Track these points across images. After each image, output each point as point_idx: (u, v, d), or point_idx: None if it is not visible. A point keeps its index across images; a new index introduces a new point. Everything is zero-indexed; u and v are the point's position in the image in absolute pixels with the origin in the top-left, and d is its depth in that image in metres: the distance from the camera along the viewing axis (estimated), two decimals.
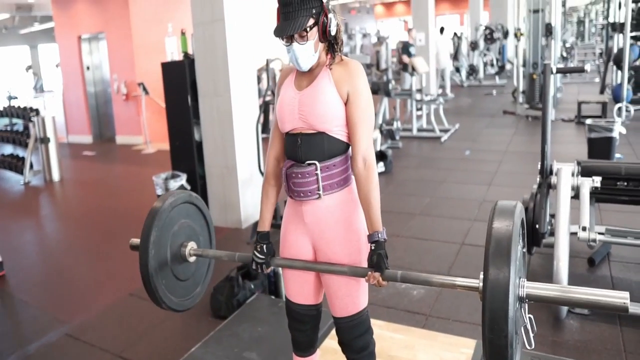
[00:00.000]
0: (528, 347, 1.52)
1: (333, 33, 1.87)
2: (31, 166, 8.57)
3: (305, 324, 2.13)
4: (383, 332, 3.03)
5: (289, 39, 1.83)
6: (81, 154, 10.72)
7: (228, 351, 2.99)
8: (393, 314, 3.62)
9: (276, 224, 2.99)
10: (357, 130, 1.86)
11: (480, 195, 6.24)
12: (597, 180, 3.87)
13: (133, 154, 10.44)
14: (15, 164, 8.72)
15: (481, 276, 1.54)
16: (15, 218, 6.79)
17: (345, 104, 1.87)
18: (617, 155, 6.59)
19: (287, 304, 2.15)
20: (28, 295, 4.47)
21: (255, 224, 5.17)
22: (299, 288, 2.10)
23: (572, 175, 3.93)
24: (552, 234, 4.02)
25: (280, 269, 3.52)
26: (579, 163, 4.03)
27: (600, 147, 6.44)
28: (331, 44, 1.91)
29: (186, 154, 5.81)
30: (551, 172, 4.08)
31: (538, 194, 4.15)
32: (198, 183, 5.77)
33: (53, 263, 5.28)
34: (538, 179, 4.18)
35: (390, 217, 5.61)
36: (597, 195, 4.01)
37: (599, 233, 3.72)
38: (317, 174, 1.89)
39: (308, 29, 1.81)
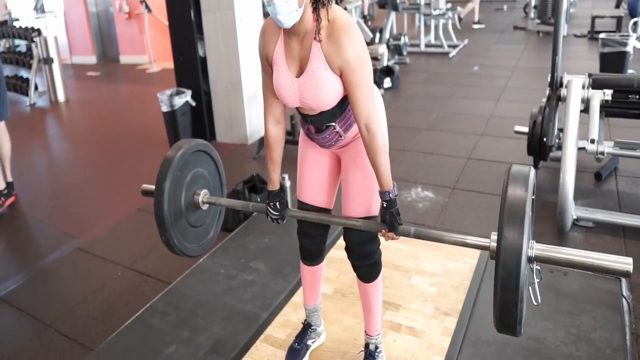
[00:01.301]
0: (535, 303, 1.60)
1: None
2: (36, 87, 8.49)
3: (316, 229, 2.12)
4: (388, 242, 3.04)
5: None
6: (85, 75, 10.60)
7: (235, 262, 3.04)
8: None
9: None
10: (355, 101, 1.75)
11: (487, 111, 6.18)
12: (608, 93, 3.79)
13: (137, 73, 10.32)
14: (20, 86, 8.64)
15: (492, 236, 1.62)
16: (23, 139, 6.79)
17: (340, 75, 1.74)
18: (630, 70, 6.47)
19: (300, 206, 2.13)
20: (39, 212, 4.53)
21: (261, 140, 5.18)
22: (313, 189, 2.09)
23: (583, 87, 3.85)
24: (559, 148, 3.99)
25: (287, 183, 3.54)
26: (590, 75, 3.94)
27: (613, 62, 6.31)
28: None
29: (190, 70, 5.72)
30: (561, 85, 4.00)
31: (547, 107, 4.09)
32: (203, 99, 5.71)
33: (62, 181, 5.33)
34: (547, 92, 4.11)
35: (396, 132, 5.58)
36: (607, 109, 3.93)
37: (608, 146, 3.69)
38: (337, 131, 1.87)
39: None
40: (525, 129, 4.29)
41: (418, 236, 1.85)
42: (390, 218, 1.83)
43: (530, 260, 1.54)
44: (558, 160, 3.81)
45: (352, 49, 1.68)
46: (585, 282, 2.71)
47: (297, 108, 1.89)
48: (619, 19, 9.56)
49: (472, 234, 1.79)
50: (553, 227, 3.59)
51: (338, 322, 2.51)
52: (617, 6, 11.03)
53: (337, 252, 3.00)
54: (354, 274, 2.13)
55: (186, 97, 5.47)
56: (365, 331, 2.21)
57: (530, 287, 1.58)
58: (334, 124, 1.86)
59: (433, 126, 5.85)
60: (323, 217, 2.03)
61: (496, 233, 1.53)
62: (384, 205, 1.85)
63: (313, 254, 2.19)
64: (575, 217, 3.56)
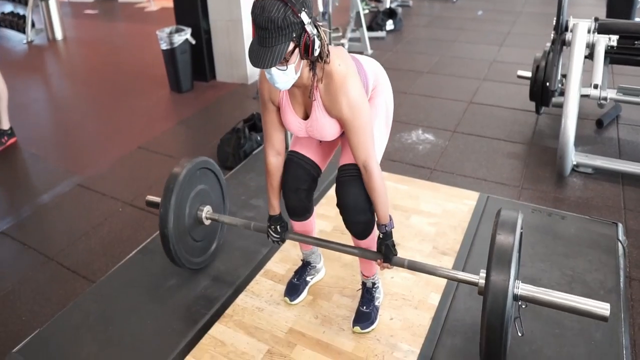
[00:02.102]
0: (519, 334, 1.81)
1: (317, 53, 1.66)
2: (33, 24, 8.34)
3: (303, 182, 2.06)
4: (388, 183, 3.04)
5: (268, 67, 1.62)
6: (83, 13, 10.40)
7: (236, 199, 3.06)
8: (398, 167, 3.67)
9: None
10: (353, 145, 1.81)
11: (490, 56, 6.11)
12: (613, 39, 3.74)
13: (136, 12, 10.14)
14: (17, 22, 8.48)
15: (481, 273, 1.76)
16: (21, 76, 6.72)
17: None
18: (638, 19, 6.36)
19: (289, 156, 2.07)
20: (38, 149, 4.53)
21: None
22: (307, 145, 2.07)
23: (588, 32, 3.80)
24: (562, 94, 3.96)
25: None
26: (596, 20, 3.88)
27: (620, 8, 6.18)
28: (314, 60, 1.71)
29: (190, 8, 5.61)
30: (566, 29, 3.94)
31: (551, 51, 4.04)
32: (203, 37, 5.63)
33: (61, 119, 5.30)
34: (552, 36, 4.05)
35: (398, 74, 5.54)
36: (612, 55, 3.89)
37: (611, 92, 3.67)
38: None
39: (288, 57, 1.61)
40: (528, 74, 4.25)
41: (412, 268, 1.98)
42: (386, 250, 1.96)
43: (515, 298, 1.68)
44: (560, 106, 3.79)
45: (346, 103, 1.75)
46: (582, 226, 2.74)
47: None
48: None
49: (465, 274, 1.85)
50: (552, 172, 3.61)
51: (337, 258, 2.54)
52: None
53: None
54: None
55: (186, 35, 5.39)
56: (362, 272, 2.24)
57: (515, 322, 1.75)
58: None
59: (435, 70, 5.79)
60: (321, 243, 2.13)
61: (484, 271, 1.67)
62: (380, 237, 1.97)
63: (299, 210, 2.14)
64: (575, 162, 3.57)
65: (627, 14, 6.13)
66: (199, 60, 5.69)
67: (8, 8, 9.01)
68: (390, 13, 7.39)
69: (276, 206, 2.14)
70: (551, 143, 3.96)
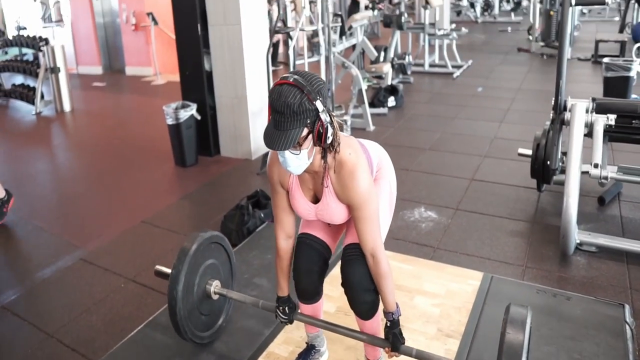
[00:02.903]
0: None
1: (329, 141, 1.74)
2: (42, 96, 8.54)
3: (315, 264, 2.08)
4: (391, 262, 3.04)
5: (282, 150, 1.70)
6: (91, 85, 10.66)
7: (239, 277, 3.03)
8: (402, 246, 3.66)
9: None
10: (362, 233, 1.86)
11: (491, 132, 6.21)
12: (611, 118, 3.81)
13: (143, 85, 10.38)
14: (27, 94, 8.69)
15: None
16: (28, 147, 6.83)
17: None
18: (634, 95, 6.50)
19: (301, 239, 2.09)
20: (43, 222, 4.54)
21: (265, 155, 5.19)
22: (317, 227, 2.11)
23: (587, 111, 3.88)
24: (563, 171, 4.01)
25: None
26: (594, 100, 3.96)
27: (617, 86, 6.33)
28: (326, 147, 1.78)
29: (196, 84, 5.76)
30: (565, 108, 4.02)
31: (550, 130, 4.11)
32: (208, 113, 5.74)
33: (66, 191, 5.34)
34: (551, 115, 4.14)
35: (400, 151, 5.62)
36: (610, 134, 3.95)
37: (611, 171, 3.71)
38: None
39: (301, 141, 1.69)
40: (529, 152, 4.31)
41: (420, 358, 1.96)
42: (393, 338, 1.96)
43: None
44: (561, 183, 3.82)
45: (357, 190, 1.81)
46: (588, 307, 2.72)
47: None
48: (623, 44, 9.62)
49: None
50: (556, 250, 3.60)
51: (340, 341, 2.50)
52: (621, 31, 11.09)
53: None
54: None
55: (191, 110, 5.50)
56: (366, 356, 2.22)
57: None
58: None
59: (436, 146, 5.87)
60: (329, 325, 2.15)
61: None
62: (387, 325, 1.98)
63: (310, 294, 2.16)
64: (578, 241, 3.57)
65: (624, 92, 6.27)
66: (204, 135, 5.78)
67: (19, 80, 9.26)
68: (392, 90, 7.55)
69: (285, 288, 2.16)
70: (554, 221, 3.97)
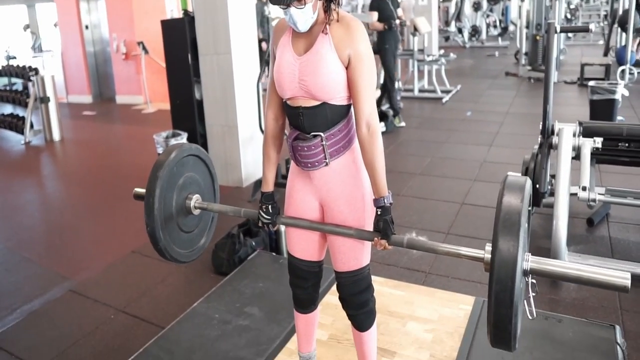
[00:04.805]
0: (530, 317, 1.57)
1: None
2: (31, 126, 8.53)
3: (307, 281, 2.13)
4: (383, 289, 3.07)
5: (286, 4, 1.71)
6: (81, 114, 10.67)
7: (230, 306, 3.03)
8: (393, 271, 3.66)
9: (279, 183, 2.98)
10: (359, 95, 1.78)
11: (481, 156, 6.25)
12: (598, 141, 3.86)
13: (133, 114, 10.40)
14: (16, 124, 8.68)
15: (486, 247, 1.59)
16: (17, 177, 6.81)
17: (347, 67, 1.79)
18: (619, 117, 6.56)
19: (289, 260, 2.14)
20: (31, 253, 4.50)
21: (256, 183, 5.20)
22: (302, 244, 2.09)
23: (574, 135, 3.92)
24: (552, 194, 4.04)
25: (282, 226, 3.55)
26: (580, 123, 4.02)
27: (602, 109, 6.39)
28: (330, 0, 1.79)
29: (187, 112, 5.79)
30: (552, 132, 4.07)
31: (539, 154, 4.15)
32: (199, 142, 5.76)
33: (55, 221, 5.31)
34: (539, 139, 4.18)
35: (390, 176, 5.57)
36: (597, 156, 4.01)
37: (599, 193, 3.74)
38: (323, 145, 1.85)
39: None
40: (518, 175, 4.33)
41: (411, 246, 1.84)
42: (384, 225, 1.83)
43: (525, 273, 1.52)
44: (550, 206, 3.85)
45: (363, 40, 1.78)
46: (579, 329, 2.71)
47: (289, 107, 1.90)
48: (607, 67, 9.76)
49: (469, 249, 1.75)
50: None
51: None
52: (605, 54, 11.27)
53: (332, 298, 3.00)
54: (349, 321, 2.13)
55: (182, 139, 5.52)
56: None
57: (525, 301, 1.57)
58: (322, 134, 1.85)
59: (427, 171, 5.90)
60: (314, 225, 2.00)
61: (490, 244, 1.51)
62: (378, 213, 1.85)
63: (306, 303, 2.19)
64: None
65: (610, 114, 6.33)
66: None
67: (8, 109, 9.26)
68: (382, 115, 7.59)
69: (270, 181, 2.08)
70: (544, 243, 3.98)
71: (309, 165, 1.91)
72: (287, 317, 2.85)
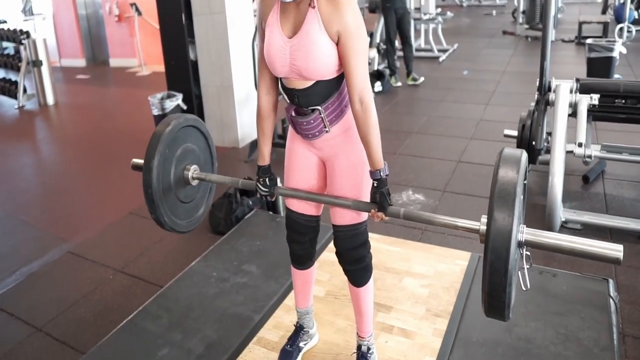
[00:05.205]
0: (524, 289, 1.59)
1: None
2: (25, 90, 8.45)
3: (304, 235, 2.14)
4: (380, 245, 3.08)
5: None
6: (75, 78, 10.56)
7: (227, 264, 3.05)
8: (390, 228, 3.68)
9: (276, 143, 2.95)
10: (351, 71, 1.72)
11: (477, 115, 6.23)
12: (595, 98, 3.85)
13: (128, 77, 10.30)
14: (9, 88, 8.59)
15: (482, 219, 1.60)
16: (12, 142, 6.77)
17: (337, 43, 1.72)
18: (616, 75, 6.55)
19: (288, 214, 2.14)
20: (28, 216, 4.51)
21: (252, 143, 5.19)
22: (300, 206, 2.10)
23: (571, 92, 3.91)
24: (548, 151, 4.04)
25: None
26: (577, 80, 4.00)
27: (600, 67, 6.38)
28: None
29: (182, 73, 5.73)
30: (549, 89, 4.05)
31: (535, 111, 4.14)
32: (194, 103, 5.72)
33: (52, 184, 5.31)
34: (536, 96, 4.16)
35: (387, 135, 5.57)
36: (594, 113, 4.00)
37: (595, 150, 3.75)
38: (321, 117, 1.84)
39: None
40: (515, 133, 4.33)
41: (408, 217, 1.84)
42: (381, 198, 1.82)
43: (520, 244, 1.53)
44: (547, 163, 3.86)
45: (352, 15, 1.68)
46: (573, 283, 2.74)
47: (284, 86, 1.88)
48: (605, 25, 9.67)
49: (465, 221, 1.76)
50: (542, 229, 3.59)
51: (330, 324, 2.52)
52: (604, 12, 11.16)
53: (329, 255, 3.02)
54: (346, 277, 2.14)
55: (177, 100, 5.48)
56: (358, 333, 2.22)
57: (519, 272, 1.58)
58: (319, 107, 1.83)
59: (423, 130, 5.89)
60: (312, 196, 2.00)
61: (486, 216, 1.51)
62: (375, 185, 1.84)
63: (303, 258, 2.20)
64: (563, 219, 3.60)
65: (607, 72, 6.31)
66: None
67: (0, 74, 9.14)
68: (379, 75, 7.55)
69: (266, 155, 2.07)
70: (539, 200, 3.99)
71: (310, 135, 1.91)
72: (284, 274, 2.87)
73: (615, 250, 1.47)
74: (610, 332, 2.38)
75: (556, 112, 3.80)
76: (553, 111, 3.87)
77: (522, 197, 1.54)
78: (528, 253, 1.58)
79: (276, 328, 2.53)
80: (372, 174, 1.84)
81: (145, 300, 2.83)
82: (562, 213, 3.59)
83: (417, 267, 2.95)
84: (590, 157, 3.70)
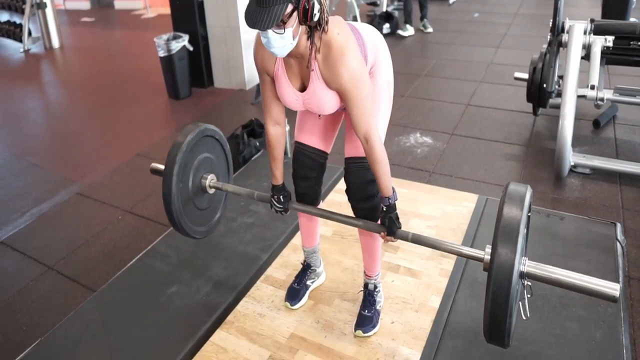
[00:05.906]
0: (524, 318, 1.67)
1: (316, 19, 1.62)
2: (30, 33, 8.36)
3: (312, 170, 2.12)
4: None
5: (264, 28, 1.58)
6: (80, 21, 10.42)
7: (235, 204, 3.06)
8: (397, 170, 3.67)
9: None
10: (353, 115, 1.77)
11: (487, 58, 6.13)
12: (609, 40, 3.77)
13: (133, 19, 10.16)
14: (13, 31, 8.49)
15: (486, 249, 1.67)
16: (18, 85, 6.74)
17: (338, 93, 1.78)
18: (632, 18, 6.38)
19: (297, 148, 2.13)
20: (37, 158, 4.53)
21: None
22: (311, 131, 2.09)
23: (584, 33, 3.82)
24: (559, 95, 3.98)
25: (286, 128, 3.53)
26: (592, 21, 3.90)
27: (615, 9, 6.20)
28: (312, 26, 1.67)
29: (187, 14, 5.62)
30: (563, 30, 3.96)
31: (547, 53, 4.06)
32: (200, 44, 5.64)
33: (59, 127, 5.30)
34: (548, 37, 4.07)
35: (395, 77, 5.44)
36: (608, 56, 3.91)
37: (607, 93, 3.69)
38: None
39: (286, 19, 1.57)
40: (525, 76, 4.26)
41: (416, 241, 1.92)
42: (389, 222, 1.91)
43: (521, 276, 1.59)
44: (557, 107, 3.81)
45: (346, 73, 1.70)
46: (580, 227, 2.75)
47: None
48: None
49: (470, 249, 1.79)
50: (551, 173, 3.62)
51: (337, 263, 2.55)
52: None
53: (336, 195, 3.03)
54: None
55: (183, 41, 5.40)
56: (365, 272, 2.24)
57: (520, 302, 1.65)
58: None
59: (432, 72, 5.81)
60: (324, 213, 2.10)
61: (490, 247, 1.59)
62: (384, 210, 1.92)
63: (308, 197, 2.19)
64: (572, 163, 3.58)
65: (622, 15, 6.14)
66: (196, 66, 5.70)
67: (4, 17, 9.02)
68: (387, 16, 7.41)
69: (279, 176, 2.13)
70: (549, 144, 3.97)
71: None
72: (291, 215, 2.85)
73: (612, 288, 1.51)
74: (616, 275, 2.40)
75: (569, 53, 3.72)
76: (565, 53, 3.79)
77: (525, 231, 1.61)
78: (529, 283, 1.64)
79: (283, 267, 2.56)
80: (382, 200, 1.92)
81: (153, 240, 2.87)
82: (571, 157, 3.56)
83: (424, 208, 2.96)
84: (602, 99, 3.65)
